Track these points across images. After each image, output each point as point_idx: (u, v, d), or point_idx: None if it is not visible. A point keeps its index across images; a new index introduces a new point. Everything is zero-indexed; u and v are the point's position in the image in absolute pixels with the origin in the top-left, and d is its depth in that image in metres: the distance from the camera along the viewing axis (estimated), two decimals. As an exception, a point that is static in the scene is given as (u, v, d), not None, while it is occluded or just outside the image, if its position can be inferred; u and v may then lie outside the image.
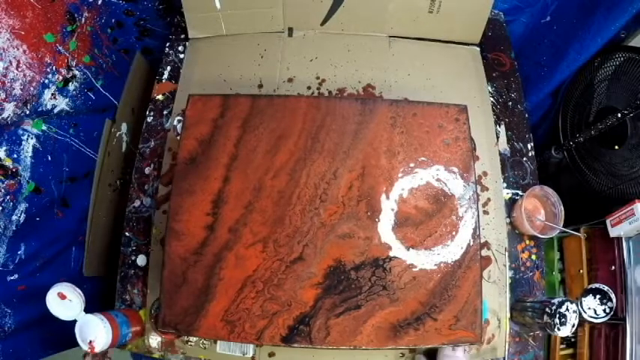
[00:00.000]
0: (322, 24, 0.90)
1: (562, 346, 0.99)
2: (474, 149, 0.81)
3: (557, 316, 0.62)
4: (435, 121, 0.67)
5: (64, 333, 0.64)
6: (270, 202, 0.64)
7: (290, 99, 0.71)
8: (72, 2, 0.76)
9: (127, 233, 0.81)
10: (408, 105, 0.70)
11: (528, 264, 0.80)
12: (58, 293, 0.62)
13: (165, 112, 0.88)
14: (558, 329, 0.62)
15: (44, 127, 0.75)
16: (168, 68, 0.92)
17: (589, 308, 0.65)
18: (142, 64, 1.01)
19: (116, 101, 0.93)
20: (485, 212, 0.80)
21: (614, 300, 0.65)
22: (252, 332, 0.59)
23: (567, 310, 0.63)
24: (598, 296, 0.65)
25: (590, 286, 0.67)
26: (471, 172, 0.66)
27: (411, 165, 0.65)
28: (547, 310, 0.64)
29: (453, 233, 0.63)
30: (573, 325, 0.62)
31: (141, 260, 0.79)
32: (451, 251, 0.62)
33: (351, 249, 0.62)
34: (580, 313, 0.64)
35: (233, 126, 0.67)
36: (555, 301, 0.64)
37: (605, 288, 0.65)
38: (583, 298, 0.66)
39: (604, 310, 0.65)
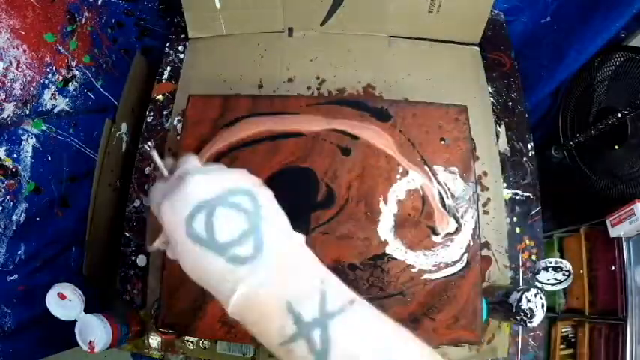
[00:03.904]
0: (322, 24, 0.90)
1: (562, 346, 0.99)
2: (474, 149, 0.81)
3: (522, 313, 0.61)
4: (434, 121, 0.67)
5: (64, 333, 0.64)
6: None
7: (290, 99, 0.71)
8: (72, 2, 0.76)
9: (126, 233, 0.81)
10: (408, 105, 0.70)
11: (528, 264, 0.80)
12: (58, 293, 0.62)
13: (165, 112, 0.88)
14: (530, 322, 0.61)
15: (44, 127, 0.75)
16: (168, 68, 0.92)
17: (547, 280, 0.64)
18: (142, 64, 1.01)
19: (116, 101, 0.93)
20: (485, 212, 0.80)
21: (566, 263, 0.64)
22: (248, 332, 0.59)
23: (529, 301, 0.61)
24: (550, 269, 0.64)
25: (537, 265, 0.66)
26: (470, 172, 0.66)
27: (411, 165, 0.65)
28: (510, 312, 0.63)
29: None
30: (543, 305, 0.61)
31: (141, 260, 0.80)
32: (451, 251, 0.62)
33: (349, 250, 0.62)
34: (541, 293, 0.62)
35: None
36: (511, 301, 0.62)
37: (552, 260, 0.64)
38: (537, 276, 0.65)
39: (563, 274, 0.64)
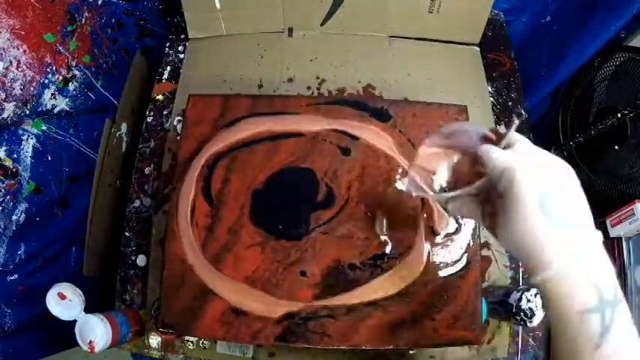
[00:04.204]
0: (322, 24, 0.90)
1: (562, 346, 0.99)
2: (474, 149, 0.81)
3: (522, 313, 0.61)
4: (434, 121, 0.67)
5: (64, 333, 0.64)
6: (269, 202, 0.64)
7: (290, 99, 0.71)
8: (72, 2, 0.76)
9: (126, 233, 0.81)
10: (408, 105, 0.70)
11: (528, 264, 0.80)
12: (58, 293, 0.62)
13: (165, 112, 0.88)
14: (530, 322, 0.61)
15: (44, 127, 0.75)
16: (168, 68, 0.92)
17: None
18: (142, 64, 1.01)
19: (116, 101, 0.94)
20: (485, 212, 0.80)
21: None
22: (247, 332, 0.59)
23: (529, 301, 0.62)
24: None
25: None
26: (470, 172, 0.65)
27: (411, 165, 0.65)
28: (510, 312, 0.63)
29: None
30: (543, 305, 0.61)
31: (141, 260, 0.80)
32: (451, 251, 0.62)
33: (349, 250, 0.62)
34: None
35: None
36: (512, 301, 0.63)
37: None
38: None
39: None
